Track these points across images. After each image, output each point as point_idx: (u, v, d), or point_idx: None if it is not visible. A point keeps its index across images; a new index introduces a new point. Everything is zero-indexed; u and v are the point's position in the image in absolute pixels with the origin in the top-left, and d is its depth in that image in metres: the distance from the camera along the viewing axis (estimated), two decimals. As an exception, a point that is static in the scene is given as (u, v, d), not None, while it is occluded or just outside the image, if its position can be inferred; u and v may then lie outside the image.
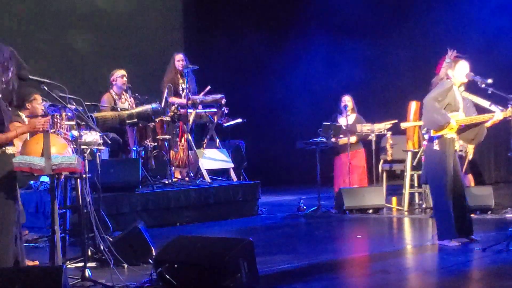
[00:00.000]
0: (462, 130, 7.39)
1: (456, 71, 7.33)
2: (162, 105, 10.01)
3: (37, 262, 5.99)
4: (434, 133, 7.34)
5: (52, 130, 6.21)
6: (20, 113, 6.45)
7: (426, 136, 7.49)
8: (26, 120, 6.40)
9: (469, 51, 7.60)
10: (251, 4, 15.10)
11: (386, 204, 10.45)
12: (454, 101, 7.31)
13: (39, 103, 6.61)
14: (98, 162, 7.15)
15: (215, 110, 11.04)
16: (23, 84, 6.12)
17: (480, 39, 12.30)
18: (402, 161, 10.75)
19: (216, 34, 14.71)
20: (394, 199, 10.95)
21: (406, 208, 10.33)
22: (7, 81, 5.54)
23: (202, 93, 10.82)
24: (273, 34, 15.12)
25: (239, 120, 11.55)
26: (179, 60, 10.64)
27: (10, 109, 5.62)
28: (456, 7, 12.87)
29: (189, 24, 15.62)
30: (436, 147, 7.33)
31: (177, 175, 10.57)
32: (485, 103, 7.32)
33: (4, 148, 5.50)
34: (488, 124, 7.32)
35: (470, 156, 10.05)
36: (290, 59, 14.52)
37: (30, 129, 5.77)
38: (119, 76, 10.02)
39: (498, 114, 7.21)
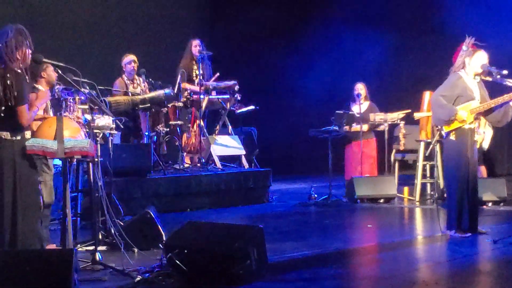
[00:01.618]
0: (487, 113, 7.35)
1: (473, 61, 7.28)
2: (175, 91, 10.01)
3: (54, 245, 6.03)
4: (447, 129, 7.31)
5: (65, 114, 6.26)
6: (36, 85, 6.46)
7: (443, 133, 7.45)
8: (42, 89, 6.42)
9: (488, 41, 7.53)
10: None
11: (398, 194, 10.46)
12: (465, 91, 7.26)
13: (52, 70, 6.63)
14: (110, 146, 7.18)
15: (228, 96, 11.03)
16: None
17: (501, 31, 12.23)
18: (415, 151, 10.75)
19: (230, 21, 14.70)
20: (406, 189, 10.95)
21: (417, 198, 10.33)
22: (23, 56, 5.59)
23: (212, 79, 10.80)
24: (289, 22, 15.11)
25: (252, 107, 11.55)
26: (196, 45, 10.60)
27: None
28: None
29: (203, 10, 15.63)
30: (452, 137, 7.30)
31: (189, 161, 10.59)
32: None
33: (23, 133, 5.56)
34: None
35: (486, 146, 10.03)
36: (305, 47, 14.49)
37: (44, 98, 5.92)
38: (128, 61, 10.01)
39: None
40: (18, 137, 5.54)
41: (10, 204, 5.49)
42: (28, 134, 5.64)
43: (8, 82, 5.46)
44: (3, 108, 5.47)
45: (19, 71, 5.56)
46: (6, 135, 5.51)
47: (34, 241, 5.56)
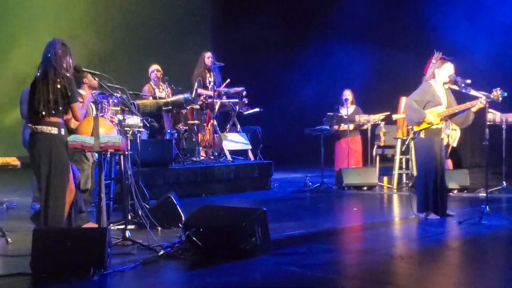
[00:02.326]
0: (452, 116, 7.31)
1: (441, 71, 7.27)
2: (193, 95, 10.01)
3: (96, 225, 6.01)
4: (417, 128, 7.31)
5: (100, 114, 6.24)
6: (80, 90, 6.46)
7: (414, 131, 7.43)
8: (84, 94, 6.43)
9: (453, 53, 7.51)
10: (272, 8, 15.07)
11: (379, 183, 10.42)
12: (433, 97, 7.25)
13: (91, 76, 6.64)
14: (138, 141, 7.16)
15: (237, 100, 11.04)
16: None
17: (461, 43, 12.18)
18: (393, 147, 10.73)
19: (240, 36, 14.68)
20: (385, 178, 10.92)
21: (395, 186, 10.30)
22: (68, 65, 5.60)
23: (223, 85, 10.80)
24: (289, 38, 15.12)
25: (257, 109, 11.55)
26: (208, 57, 10.61)
27: None
28: (443, 14, 12.75)
29: (216, 27, 15.62)
30: (422, 135, 7.30)
31: (204, 154, 10.57)
32: (478, 94, 7.19)
33: (64, 131, 5.58)
34: (474, 110, 7.21)
35: (455, 144, 9.99)
36: (302, 59, 14.48)
37: (88, 99, 6.10)
38: (152, 70, 10.17)
39: (481, 101, 7.10)
40: (56, 133, 5.53)
41: (44, 189, 5.48)
42: (63, 131, 5.62)
43: (59, 86, 5.47)
44: (52, 109, 5.47)
45: (68, 75, 5.57)
46: (51, 129, 5.50)
47: (62, 220, 5.54)
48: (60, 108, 5.50)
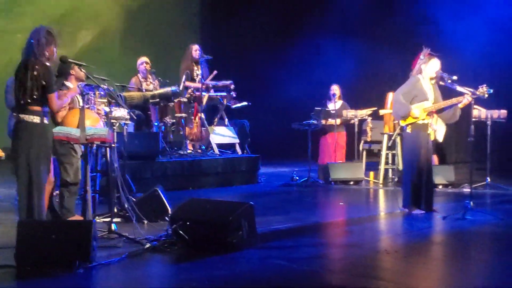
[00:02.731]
0: (439, 111, 7.33)
1: (428, 67, 7.29)
2: (180, 88, 9.96)
3: (82, 217, 5.97)
4: (403, 123, 7.34)
5: (86, 106, 6.19)
6: (66, 82, 6.40)
7: (402, 125, 7.45)
8: (71, 86, 6.37)
9: (441, 50, 7.53)
10: (261, 2, 15.05)
11: (365, 177, 10.44)
12: (420, 92, 7.28)
13: (78, 67, 6.58)
14: (125, 134, 7.12)
15: (225, 94, 11.00)
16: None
17: (449, 40, 12.22)
18: (379, 142, 10.73)
19: (228, 29, 14.64)
20: (371, 173, 10.93)
21: (381, 181, 10.32)
22: (51, 54, 5.53)
23: (210, 77, 10.71)
24: (278, 33, 15.11)
25: (245, 103, 11.52)
26: (196, 50, 10.55)
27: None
28: (429, 11, 12.78)
29: (204, 20, 15.57)
30: (408, 130, 7.32)
31: (191, 147, 10.54)
32: (464, 90, 7.21)
33: (47, 119, 5.50)
34: (461, 106, 7.24)
35: (441, 139, 10.02)
36: (290, 54, 14.46)
37: (74, 92, 5.95)
38: (141, 62, 10.09)
39: (467, 97, 7.13)
40: (38, 121, 5.45)
41: (27, 180, 5.41)
42: (46, 120, 5.52)
43: (35, 72, 5.37)
44: (31, 97, 5.38)
45: (47, 63, 5.47)
46: (32, 118, 5.43)
47: (44, 210, 5.50)
48: (36, 97, 5.38)
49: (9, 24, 12.34)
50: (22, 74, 5.40)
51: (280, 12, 15.25)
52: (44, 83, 5.40)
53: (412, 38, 12.04)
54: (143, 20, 14.27)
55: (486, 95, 7.06)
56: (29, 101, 5.39)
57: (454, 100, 7.22)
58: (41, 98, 5.44)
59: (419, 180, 7.26)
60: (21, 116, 5.43)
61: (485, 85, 7.08)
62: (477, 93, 7.05)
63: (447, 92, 7.51)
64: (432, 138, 7.47)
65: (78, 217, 6.20)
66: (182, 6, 15.46)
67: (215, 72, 10.76)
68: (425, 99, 7.26)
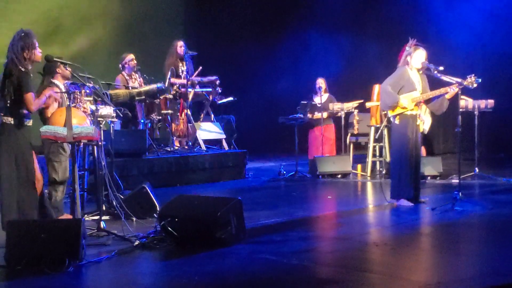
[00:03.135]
0: (427, 102, 7.40)
1: (414, 58, 7.35)
2: (166, 85, 9.96)
3: (71, 216, 5.99)
4: (391, 113, 7.38)
5: (73, 105, 6.20)
6: (53, 80, 6.42)
7: (390, 118, 7.50)
8: (60, 85, 6.39)
9: (426, 40, 7.59)
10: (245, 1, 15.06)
11: (353, 170, 10.50)
12: (408, 83, 7.32)
13: (64, 66, 6.60)
14: (111, 132, 7.13)
15: (211, 89, 11.03)
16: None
17: (435, 32, 12.31)
18: (366, 135, 10.79)
19: (214, 24, 14.65)
20: (359, 166, 11.01)
21: (369, 174, 10.38)
22: (31, 55, 5.59)
23: (195, 73, 10.73)
24: (263, 27, 15.11)
25: (231, 98, 11.55)
26: (181, 46, 10.53)
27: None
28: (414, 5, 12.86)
29: (188, 15, 15.54)
30: (396, 121, 7.37)
31: (178, 144, 10.55)
32: (452, 80, 7.28)
33: (24, 121, 5.58)
34: (448, 96, 7.31)
35: (426, 130, 10.10)
36: (275, 48, 14.48)
37: (49, 91, 6.00)
38: (129, 59, 9.98)
39: (453, 87, 7.19)
40: (20, 123, 5.60)
41: (15, 179, 5.50)
42: (29, 122, 5.71)
43: (12, 78, 5.53)
44: (8, 100, 5.54)
45: (22, 69, 5.56)
46: (10, 120, 5.57)
47: (33, 212, 5.56)
48: (12, 98, 5.54)
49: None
50: (2, 77, 5.58)
51: (264, 6, 15.26)
52: (19, 87, 5.54)
53: (398, 30, 12.12)
54: (126, 16, 14.22)
55: (475, 85, 7.11)
56: (8, 102, 5.54)
57: (442, 90, 7.27)
58: (19, 100, 5.57)
59: (409, 171, 7.31)
60: (1, 117, 5.60)
61: (473, 74, 7.14)
62: (465, 83, 7.11)
63: (435, 83, 7.57)
64: (421, 129, 7.52)
65: (67, 216, 6.22)
66: (166, 1, 15.43)
67: (200, 68, 10.77)
68: (413, 90, 7.31)
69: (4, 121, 5.58)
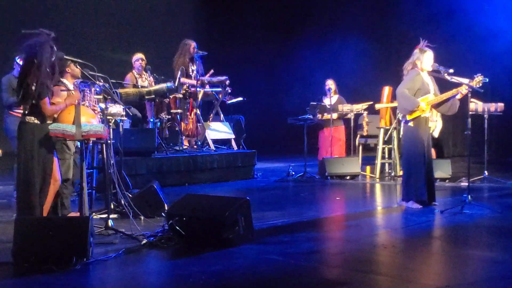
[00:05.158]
0: (438, 105, 7.37)
1: (424, 61, 7.31)
2: (176, 84, 9.97)
3: (77, 214, 5.98)
4: (409, 117, 7.33)
5: (82, 103, 6.19)
6: (62, 79, 6.42)
7: (401, 118, 7.46)
8: (68, 84, 6.37)
9: (437, 43, 7.56)
10: (255, 1, 15.06)
11: (361, 172, 10.46)
12: (423, 85, 7.29)
13: (74, 64, 6.60)
14: (121, 130, 7.13)
15: (220, 89, 11.03)
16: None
17: (444, 35, 12.25)
18: (376, 136, 10.75)
19: (223, 24, 14.64)
20: (368, 168, 10.96)
21: (378, 175, 10.35)
22: (50, 56, 5.57)
23: (207, 75, 10.76)
24: (274, 29, 15.11)
25: (240, 99, 11.53)
26: (193, 47, 10.55)
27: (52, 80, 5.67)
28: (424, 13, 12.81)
29: (198, 14, 15.56)
30: (411, 124, 7.32)
31: (187, 143, 10.55)
32: (462, 80, 7.25)
33: (46, 119, 5.56)
34: (458, 97, 7.28)
35: (437, 135, 10.07)
36: (286, 49, 14.49)
37: (74, 101, 5.83)
38: (136, 59, 10.09)
39: (464, 88, 7.16)
40: (40, 123, 5.57)
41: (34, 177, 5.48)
42: (49, 121, 5.66)
43: (35, 79, 5.47)
44: (32, 101, 5.53)
45: (43, 71, 5.52)
46: (33, 120, 5.53)
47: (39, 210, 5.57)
48: (35, 100, 5.54)
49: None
50: (23, 79, 5.51)
51: (275, 7, 15.26)
52: (36, 91, 5.50)
53: (407, 32, 12.07)
54: (136, 15, 14.25)
55: (481, 84, 7.09)
56: (31, 104, 5.52)
57: (454, 91, 7.24)
58: (22, 99, 5.57)
59: (422, 173, 7.27)
60: (25, 117, 5.57)
61: (479, 74, 7.11)
62: (473, 83, 7.08)
63: (443, 84, 7.53)
64: (432, 131, 7.47)
65: (73, 214, 6.21)
66: (176, 1, 15.45)
67: (211, 71, 10.78)
68: (427, 92, 7.29)
69: (27, 120, 5.55)
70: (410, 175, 7.35)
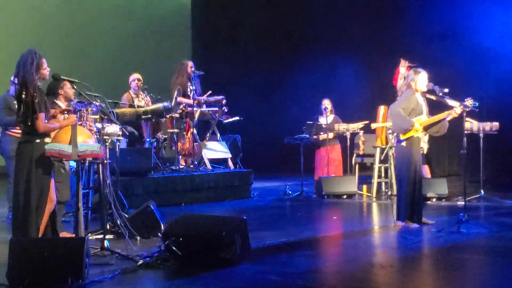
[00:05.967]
0: (429, 126, 7.38)
1: (419, 82, 7.33)
2: (172, 104, 9.96)
3: (73, 235, 5.93)
4: (403, 137, 7.33)
5: (79, 123, 6.17)
6: (56, 101, 6.40)
7: (392, 137, 7.46)
8: (61, 104, 6.34)
9: (430, 63, 7.58)
10: (251, 21, 15.12)
11: (358, 191, 10.43)
12: (417, 106, 7.30)
13: (69, 87, 6.57)
14: (117, 150, 7.11)
15: (217, 109, 11.00)
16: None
17: (437, 54, 12.29)
18: (372, 155, 10.72)
19: (219, 45, 14.68)
20: (364, 187, 10.93)
21: (374, 194, 10.30)
22: (40, 74, 5.53)
23: (205, 95, 10.75)
24: (269, 51, 15.17)
25: (237, 118, 11.53)
26: (191, 66, 10.56)
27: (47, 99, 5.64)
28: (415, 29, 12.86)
29: (196, 34, 15.61)
30: (404, 144, 7.32)
31: (183, 162, 10.52)
32: (454, 103, 7.27)
33: (43, 139, 5.51)
34: (448, 119, 7.29)
35: (425, 151, 10.05)
36: (281, 69, 14.51)
37: (70, 123, 5.76)
38: (133, 79, 10.10)
39: (455, 110, 7.18)
40: (38, 141, 5.48)
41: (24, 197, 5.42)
42: (47, 140, 5.59)
43: (35, 96, 5.41)
44: (29, 122, 5.45)
45: (38, 84, 5.49)
46: (30, 138, 5.47)
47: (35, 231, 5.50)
48: (31, 118, 5.47)
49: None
50: (24, 97, 5.44)
51: (271, 27, 15.32)
52: (33, 104, 5.44)
53: (402, 52, 12.11)
54: (133, 35, 14.30)
55: (471, 108, 7.13)
56: (29, 124, 5.45)
57: (446, 114, 7.27)
58: (20, 119, 5.52)
59: (414, 193, 7.27)
60: (25, 136, 5.50)
61: (470, 97, 7.15)
62: (467, 105, 7.11)
63: (436, 106, 7.54)
64: (423, 151, 7.49)
65: (65, 234, 6.16)
66: (173, 20, 15.51)
67: (209, 92, 10.78)
68: (421, 112, 7.31)
69: (27, 139, 5.49)
70: (405, 196, 7.33)
